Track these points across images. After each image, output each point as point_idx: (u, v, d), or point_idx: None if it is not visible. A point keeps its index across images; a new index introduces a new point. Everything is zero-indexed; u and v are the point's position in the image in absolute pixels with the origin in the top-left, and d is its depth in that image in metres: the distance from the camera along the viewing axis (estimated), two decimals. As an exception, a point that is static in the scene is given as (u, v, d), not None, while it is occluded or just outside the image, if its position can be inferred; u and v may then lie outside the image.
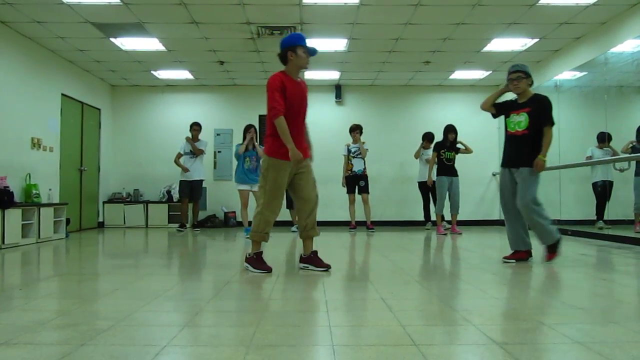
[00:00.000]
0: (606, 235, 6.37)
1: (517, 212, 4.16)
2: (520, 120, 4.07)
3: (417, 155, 8.56)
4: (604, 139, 6.86)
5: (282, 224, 9.06)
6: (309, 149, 3.89)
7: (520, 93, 4.17)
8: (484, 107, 4.41)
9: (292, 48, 3.65)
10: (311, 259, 3.79)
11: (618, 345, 1.89)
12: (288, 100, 3.59)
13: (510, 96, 4.36)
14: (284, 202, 8.95)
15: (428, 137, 8.40)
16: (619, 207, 6.87)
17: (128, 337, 2.03)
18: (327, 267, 3.73)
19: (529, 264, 4.07)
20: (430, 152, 7.97)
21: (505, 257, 4.26)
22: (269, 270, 3.66)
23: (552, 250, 4.13)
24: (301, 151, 3.63)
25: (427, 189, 8.26)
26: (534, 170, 4.03)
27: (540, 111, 4.05)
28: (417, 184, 8.64)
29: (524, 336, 2.04)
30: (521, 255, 4.20)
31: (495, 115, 4.41)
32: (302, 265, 3.86)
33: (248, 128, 7.23)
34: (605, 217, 6.82)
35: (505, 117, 4.25)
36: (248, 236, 6.96)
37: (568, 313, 2.42)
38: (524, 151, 4.07)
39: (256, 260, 3.72)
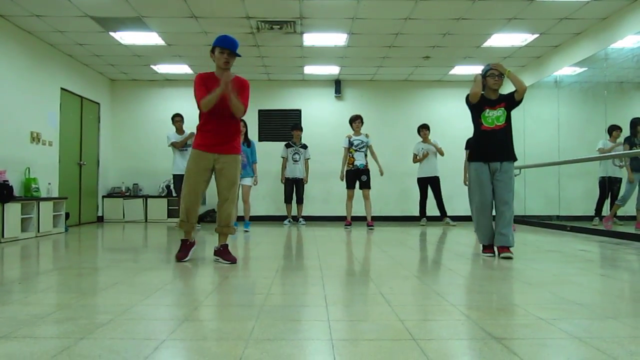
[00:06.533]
0: (605, 231, 6.37)
1: (491, 207, 4.31)
2: (499, 115, 4.30)
3: (417, 160, 8.55)
4: (612, 132, 6.78)
5: (277, 218, 9.10)
6: (228, 145, 3.93)
7: (496, 90, 4.40)
8: (475, 98, 4.41)
9: (213, 50, 3.89)
10: (220, 252, 4.00)
11: (616, 340, 1.90)
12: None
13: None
14: (282, 196, 8.77)
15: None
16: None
17: (127, 330, 2.03)
18: (233, 261, 3.91)
19: (525, 259, 4.08)
20: (430, 147, 8.38)
21: (485, 252, 4.37)
22: (181, 258, 3.97)
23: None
24: (218, 147, 3.87)
25: (425, 185, 8.37)
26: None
27: (511, 105, 4.34)
28: (417, 179, 8.60)
29: (522, 331, 2.04)
30: (490, 250, 4.34)
31: (474, 106, 4.46)
32: (214, 257, 4.06)
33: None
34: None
35: (478, 112, 4.39)
36: (247, 229, 7.04)
37: (566, 308, 2.43)
38: (508, 144, 4.29)
39: (180, 247, 4.04)
